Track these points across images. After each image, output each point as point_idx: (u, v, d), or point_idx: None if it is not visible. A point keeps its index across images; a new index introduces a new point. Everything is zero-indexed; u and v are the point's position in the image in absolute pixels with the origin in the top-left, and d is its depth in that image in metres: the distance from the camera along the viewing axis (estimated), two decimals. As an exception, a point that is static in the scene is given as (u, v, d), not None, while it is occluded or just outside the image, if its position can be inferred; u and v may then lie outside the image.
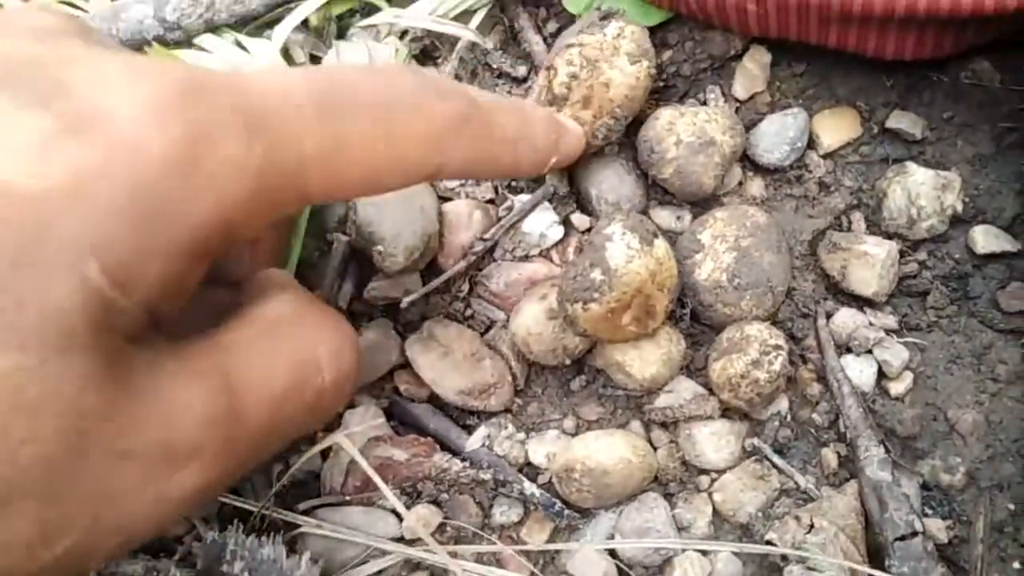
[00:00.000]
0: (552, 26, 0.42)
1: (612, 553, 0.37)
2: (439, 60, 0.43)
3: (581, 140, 0.35)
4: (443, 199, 0.40)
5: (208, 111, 0.20)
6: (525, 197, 0.40)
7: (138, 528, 0.21)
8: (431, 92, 0.27)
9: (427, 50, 0.43)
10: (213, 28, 0.42)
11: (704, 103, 0.40)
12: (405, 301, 0.39)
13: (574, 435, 0.38)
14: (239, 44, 0.42)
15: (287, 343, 0.26)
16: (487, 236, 0.38)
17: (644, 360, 0.36)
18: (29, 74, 0.20)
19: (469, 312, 0.40)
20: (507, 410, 0.39)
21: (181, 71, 0.21)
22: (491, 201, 0.41)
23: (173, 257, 0.20)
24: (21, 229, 0.17)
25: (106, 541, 0.20)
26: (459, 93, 0.28)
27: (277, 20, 0.42)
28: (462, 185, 0.41)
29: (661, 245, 0.34)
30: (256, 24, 0.43)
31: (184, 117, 0.20)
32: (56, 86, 0.20)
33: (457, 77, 0.42)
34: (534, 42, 0.42)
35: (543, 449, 0.38)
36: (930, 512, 0.36)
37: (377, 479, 0.35)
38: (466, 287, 0.39)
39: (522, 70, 0.42)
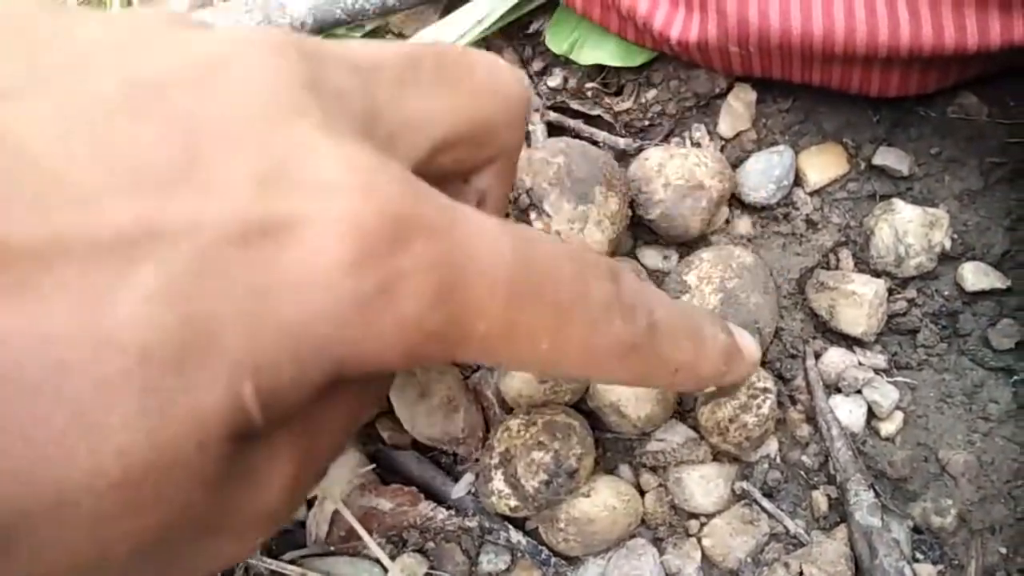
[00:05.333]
0: (537, 64, 0.42)
1: (601, 600, 0.36)
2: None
3: (752, 367, 0.31)
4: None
5: (409, 265, 0.19)
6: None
7: None
8: (615, 308, 0.24)
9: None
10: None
11: (696, 144, 0.40)
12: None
13: (562, 479, 0.38)
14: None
15: None
16: None
17: (639, 399, 0.36)
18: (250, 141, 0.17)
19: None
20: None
21: (398, 194, 0.19)
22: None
23: (314, 389, 0.19)
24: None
25: None
26: (643, 311, 0.25)
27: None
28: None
29: (646, 290, 0.34)
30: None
31: (384, 267, 0.18)
32: (272, 166, 0.18)
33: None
34: (518, 80, 0.41)
35: (530, 495, 0.37)
36: (921, 557, 0.36)
37: (360, 529, 0.35)
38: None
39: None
